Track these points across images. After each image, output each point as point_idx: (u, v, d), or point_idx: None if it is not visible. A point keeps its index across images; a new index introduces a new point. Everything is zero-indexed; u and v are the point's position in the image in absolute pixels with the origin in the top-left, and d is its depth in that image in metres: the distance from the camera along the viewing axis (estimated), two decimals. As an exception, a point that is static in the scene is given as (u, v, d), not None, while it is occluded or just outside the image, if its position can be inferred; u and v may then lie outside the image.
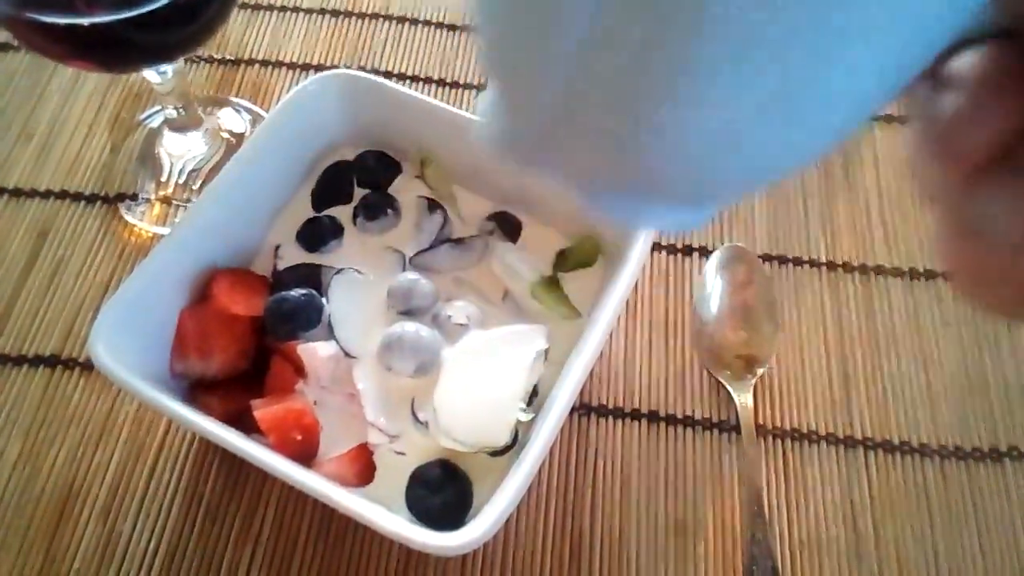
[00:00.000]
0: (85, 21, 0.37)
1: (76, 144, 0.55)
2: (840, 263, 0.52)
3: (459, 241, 0.45)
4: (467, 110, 0.48)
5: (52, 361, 0.47)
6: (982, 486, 0.45)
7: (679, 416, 0.47)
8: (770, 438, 0.46)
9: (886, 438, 0.46)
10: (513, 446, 0.39)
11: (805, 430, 0.46)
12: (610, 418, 0.46)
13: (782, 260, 0.52)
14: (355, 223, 0.46)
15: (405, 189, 0.47)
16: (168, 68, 0.46)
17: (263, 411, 0.39)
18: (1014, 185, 0.17)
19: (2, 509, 0.43)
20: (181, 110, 0.51)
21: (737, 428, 0.46)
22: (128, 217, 0.52)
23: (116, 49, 0.39)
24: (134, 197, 0.53)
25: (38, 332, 0.48)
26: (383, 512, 0.35)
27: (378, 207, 0.46)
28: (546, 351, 0.41)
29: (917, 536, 0.43)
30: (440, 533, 0.35)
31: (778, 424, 0.46)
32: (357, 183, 0.47)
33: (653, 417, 0.47)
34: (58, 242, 0.51)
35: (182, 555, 0.42)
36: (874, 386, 0.48)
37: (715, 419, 0.47)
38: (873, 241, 0.53)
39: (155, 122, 0.56)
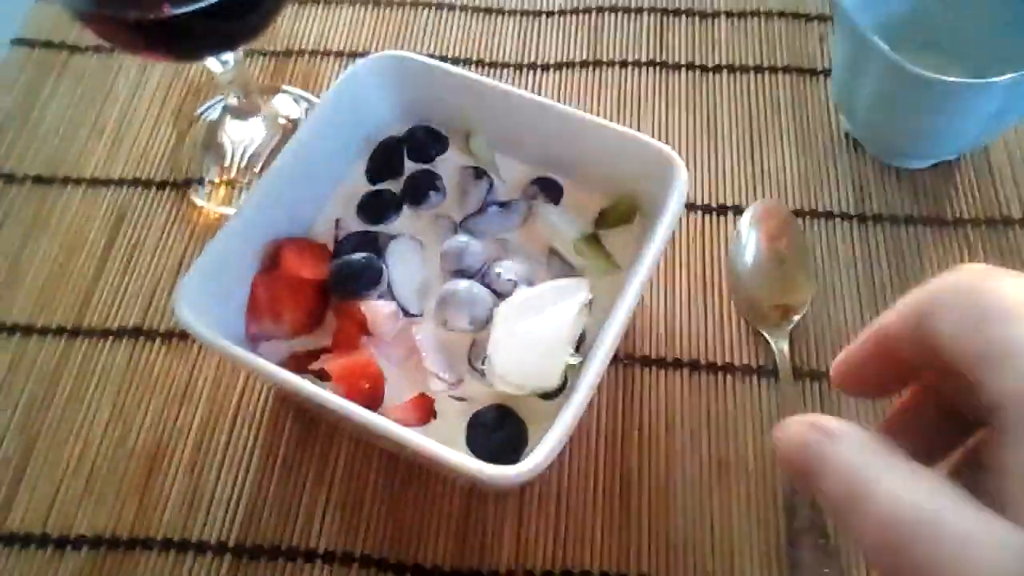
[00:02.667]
0: (160, 14, 0.40)
1: (144, 136, 0.59)
2: (869, 215, 0.54)
3: (505, 204, 0.48)
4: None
5: (135, 333, 0.51)
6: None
7: (719, 364, 0.49)
8: (807, 380, 0.48)
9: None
10: (563, 389, 0.42)
11: (840, 372, 0.48)
12: (654, 368, 0.49)
13: (813, 214, 0.54)
14: (403, 204, 0.49)
15: (451, 161, 0.51)
16: (230, 58, 0.50)
17: (334, 363, 0.42)
18: None
19: (98, 465, 0.47)
20: (242, 97, 0.55)
21: (775, 373, 0.48)
22: (196, 200, 0.56)
23: (187, 40, 0.43)
24: (200, 181, 0.57)
25: (120, 307, 0.52)
26: (453, 452, 0.38)
27: (422, 188, 0.49)
28: (590, 302, 0.44)
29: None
30: (500, 467, 0.38)
31: (814, 367, 0.49)
32: (408, 157, 0.50)
33: (694, 366, 0.49)
34: (133, 225, 0.55)
35: (263, 502, 0.46)
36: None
37: (753, 365, 0.49)
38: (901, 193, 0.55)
39: (214, 113, 0.60)
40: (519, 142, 0.49)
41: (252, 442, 0.48)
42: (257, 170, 0.56)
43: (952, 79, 0.46)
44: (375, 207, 0.48)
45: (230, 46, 0.47)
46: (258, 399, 0.49)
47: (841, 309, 0.51)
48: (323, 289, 0.46)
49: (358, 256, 0.45)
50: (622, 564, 0.44)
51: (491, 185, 0.49)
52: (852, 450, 0.23)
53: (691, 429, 0.47)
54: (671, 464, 0.46)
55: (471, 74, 0.49)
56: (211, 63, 0.50)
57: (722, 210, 0.55)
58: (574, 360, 0.41)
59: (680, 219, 0.54)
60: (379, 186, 0.50)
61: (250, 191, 0.46)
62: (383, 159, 0.51)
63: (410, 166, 0.50)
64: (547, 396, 0.42)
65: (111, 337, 0.51)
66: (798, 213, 0.54)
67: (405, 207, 0.49)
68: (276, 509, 0.46)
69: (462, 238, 0.46)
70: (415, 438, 0.38)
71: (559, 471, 0.46)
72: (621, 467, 0.46)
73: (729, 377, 0.49)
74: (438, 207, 0.49)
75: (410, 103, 0.51)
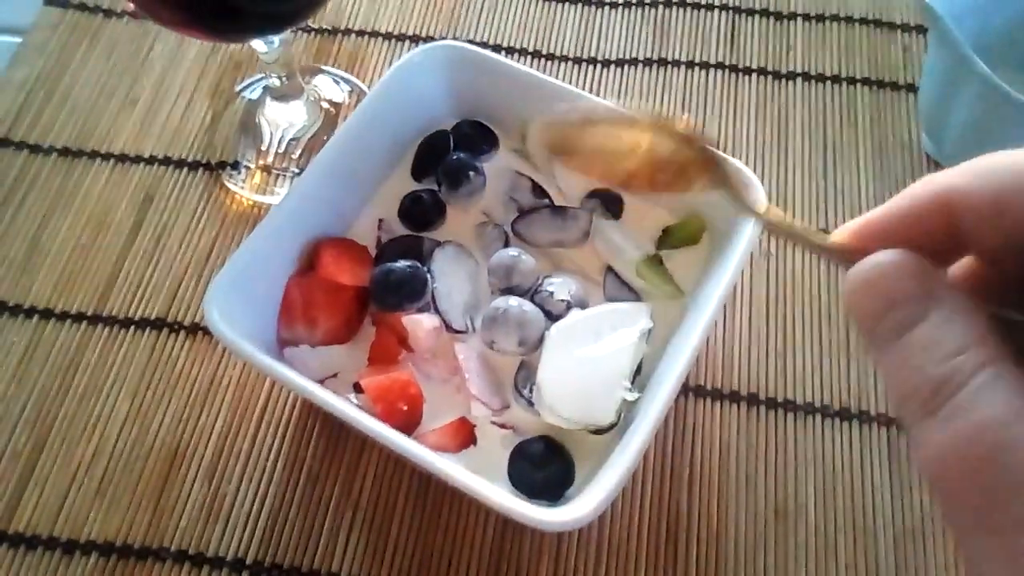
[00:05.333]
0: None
1: (178, 111, 0.56)
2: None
3: (560, 209, 0.44)
4: (565, 82, 0.47)
5: (159, 324, 0.48)
6: None
7: (779, 400, 0.46)
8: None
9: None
10: (616, 425, 0.39)
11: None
12: (709, 400, 0.46)
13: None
14: (439, 193, 0.46)
15: (503, 162, 0.47)
16: (276, 38, 0.46)
17: (370, 380, 0.39)
18: None
19: (112, 465, 0.44)
20: (284, 79, 0.51)
21: (841, 414, 0.45)
22: (230, 185, 0.53)
23: (235, 19, 0.40)
24: (235, 165, 0.53)
25: (145, 295, 0.49)
26: (496, 488, 0.35)
27: (457, 173, 0.45)
28: (650, 330, 0.41)
29: None
30: (548, 509, 0.35)
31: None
32: (454, 152, 0.47)
33: (753, 400, 0.46)
34: (163, 208, 0.52)
35: (284, 517, 0.43)
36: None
37: (817, 404, 0.45)
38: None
39: (254, 92, 0.56)
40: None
41: (276, 451, 0.45)
42: (296, 157, 0.53)
43: (1060, 109, 0.42)
44: (418, 213, 0.45)
45: (280, 27, 0.44)
46: (284, 404, 0.46)
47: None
48: (362, 296, 0.43)
49: (402, 264, 0.41)
50: (666, 614, 0.41)
51: (536, 187, 0.45)
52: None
53: (747, 471, 0.44)
54: (724, 509, 0.43)
55: (532, 71, 0.46)
56: (256, 43, 0.47)
57: (790, 231, 0.51)
58: (632, 396, 0.38)
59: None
60: (424, 183, 0.47)
61: (294, 183, 0.43)
62: (429, 154, 0.47)
63: (457, 164, 0.47)
64: (598, 432, 0.39)
65: (133, 327, 0.48)
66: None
67: (449, 208, 0.46)
68: (298, 526, 0.43)
69: (512, 251, 0.42)
70: (452, 471, 0.35)
71: (603, 509, 0.43)
72: (669, 508, 0.43)
73: (791, 415, 0.45)
74: (481, 202, 0.46)
75: (465, 97, 0.47)
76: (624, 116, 0.29)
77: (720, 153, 0.30)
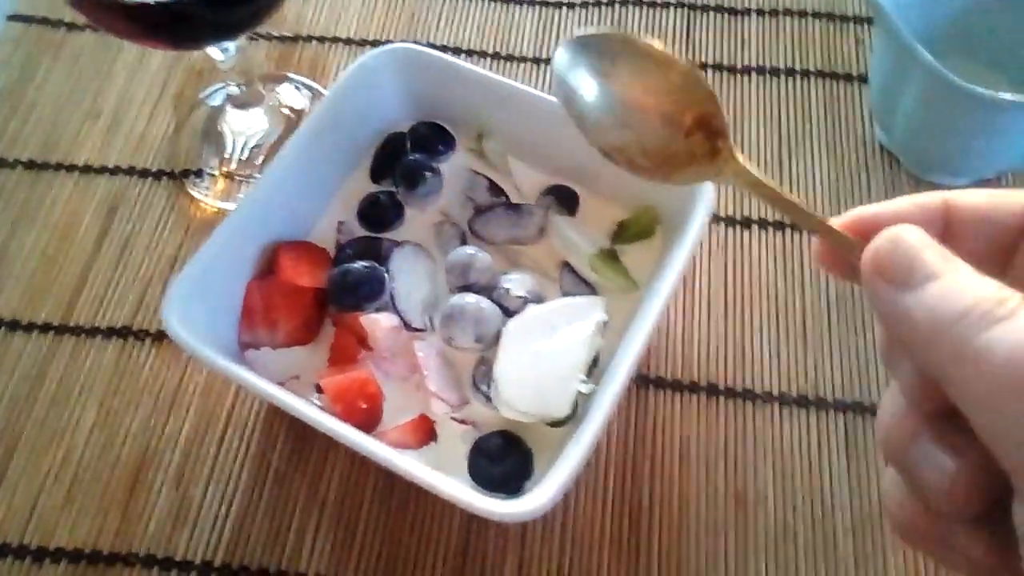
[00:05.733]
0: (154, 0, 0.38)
1: (142, 122, 0.57)
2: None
3: (516, 206, 0.45)
4: (523, 83, 0.48)
5: (124, 332, 0.49)
6: None
7: (738, 389, 0.46)
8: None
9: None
10: (573, 417, 0.39)
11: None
12: (668, 391, 0.46)
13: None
14: (397, 194, 0.46)
15: (460, 162, 0.48)
16: (231, 45, 0.47)
17: (328, 381, 0.40)
18: (951, 440, 0.21)
19: (80, 474, 0.45)
20: (243, 87, 0.52)
21: (798, 401, 0.46)
22: (194, 192, 0.53)
23: (183, 26, 0.40)
24: (199, 173, 0.54)
25: (110, 304, 0.50)
26: (452, 482, 0.35)
27: (414, 174, 0.46)
28: (605, 323, 0.41)
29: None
30: (504, 500, 0.35)
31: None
32: (411, 153, 0.47)
33: (712, 390, 0.46)
34: (127, 217, 0.53)
35: (252, 519, 0.43)
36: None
37: (775, 392, 0.46)
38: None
39: (217, 100, 0.57)
40: (534, 147, 0.46)
41: (243, 455, 0.45)
42: (259, 163, 0.54)
43: (1003, 95, 0.43)
44: (376, 214, 0.46)
45: (230, 34, 0.44)
46: (250, 409, 0.46)
47: (869, 331, 0.48)
48: (321, 297, 0.43)
49: (359, 265, 0.42)
50: (629, 602, 0.41)
51: (494, 186, 0.46)
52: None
53: (707, 460, 0.44)
54: (685, 497, 0.43)
55: (487, 72, 0.46)
56: (212, 51, 0.47)
57: (746, 223, 0.52)
58: (586, 388, 0.39)
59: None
60: (383, 185, 0.47)
61: (250, 188, 0.44)
62: (387, 156, 0.48)
63: (413, 165, 0.47)
64: (556, 424, 0.39)
65: (99, 335, 0.49)
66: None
67: (407, 208, 0.46)
68: (265, 528, 0.43)
69: (469, 249, 0.43)
70: (415, 469, 0.35)
71: (565, 501, 0.43)
72: (631, 498, 0.43)
73: (749, 404, 0.46)
74: (439, 202, 0.46)
75: (421, 99, 0.48)
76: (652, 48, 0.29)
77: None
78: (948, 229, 0.24)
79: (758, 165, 0.54)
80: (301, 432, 0.45)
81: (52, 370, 0.48)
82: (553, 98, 0.46)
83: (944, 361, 0.19)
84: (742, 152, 0.52)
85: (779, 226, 0.51)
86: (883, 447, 0.23)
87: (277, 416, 0.46)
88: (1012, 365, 0.18)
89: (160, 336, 0.48)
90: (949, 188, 0.51)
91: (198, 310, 0.40)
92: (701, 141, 0.28)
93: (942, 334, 0.19)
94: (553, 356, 0.40)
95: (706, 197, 0.41)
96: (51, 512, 0.44)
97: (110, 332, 0.49)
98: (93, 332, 0.49)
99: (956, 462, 0.21)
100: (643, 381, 0.47)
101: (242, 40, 0.48)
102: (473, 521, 0.43)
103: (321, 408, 0.39)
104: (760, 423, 0.45)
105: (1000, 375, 0.18)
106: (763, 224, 0.51)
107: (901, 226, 0.22)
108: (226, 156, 0.54)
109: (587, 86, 0.30)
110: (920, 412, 0.22)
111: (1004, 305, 0.19)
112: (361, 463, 0.44)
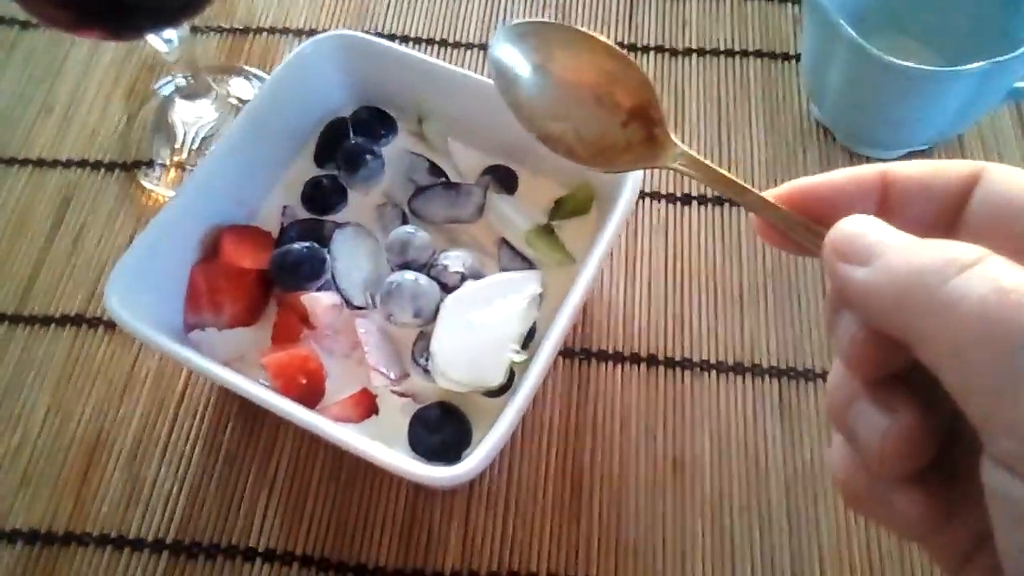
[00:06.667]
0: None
1: (95, 115, 0.58)
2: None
3: (454, 185, 0.46)
4: (470, 69, 0.49)
5: (77, 320, 0.50)
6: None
7: (677, 359, 0.48)
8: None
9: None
10: (509, 387, 0.40)
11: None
12: (610, 362, 0.48)
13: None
14: (339, 177, 0.47)
15: (401, 145, 0.49)
16: (174, 36, 0.48)
17: (269, 358, 0.41)
18: (886, 402, 0.21)
19: (35, 458, 0.45)
20: (190, 78, 0.53)
21: (735, 369, 0.47)
22: (145, 183, 0.54)
23: (119, 14, 0.41)
24: (150, 164, 0.55)
25: (64, 293, 0.51)
26: (386, 449, 0.37)
27: (356, 158, 0.47)
28: (540, 296, 0.42)
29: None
30: (440, 467, 0.36)
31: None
32: (353, 138, 0.49)
33: (652, 360, 0.48)
34: (80, 208, 0.54)
35: (203, 498, 0.44)
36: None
37: (712, 361, 0.48)
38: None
39: (168, 91, 0.58)
40: (473, 128, 0.47)
41: (194, 435, 0.46)
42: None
43: (922, 67, 0.45)
44: (319, 198, 0.47)
45: (169, 22, 0.45)
46: (202, 391, 0.47)
47: (804, 300, 0.49)
48: (264, 279, 0.44)
49: (299, 246, 0.43)
50: (571, 567, 0.42)
51: (434, 167, 0.47)
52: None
53: (646, 427, 0.46)
54: (624, 464, 0.45)
55: (423, 56, 0.47)
56: (155, 42, 0.48)
57: (686, 199, 0.53)
58: (519, 357, 0.40)
59: (639, 208, 0.52)
60: (326, 169, 0.48)
61: (191, 172, 0.45)
62: (330, 141, 0.49)
63: (358, 149, 0.49)
64: (492, 394, 0.41)
65: (52, 324, 0.50)
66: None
67: (350, 191, 0.47)
68: (216, 505, 0.44)
69: (408, 228, 0.44)
70: (353, 440, 0.36)
71: (508, 470, 0.45)
72: (572, 466, 0.45)
73: (687, 373, 0.47)
74: (381, 184, 0.48)
75: (362, 85, 0.49)
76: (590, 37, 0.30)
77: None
78: (886, 202, 0.24)
79: (698, 145, 0.55)
80: (252, 412, 0.46)
81: (7, 358, 0.48)
82: (491, 80, 0.47)
83: (910, 321, 0.19)
84: (680, 136, 0.55)
85: (718, 201, 0.53)
86: (828, 413, 0.24)
87: (228, 398, 0.47)
88: (978, 313, 0.18)
89: (112, 324, 0.49)
90: (883, 161, 0.53)
91: (142, 293, 0.41)
92: (637, 129, 0.29)
93: (907, 290, 0.19)
94: (488, 328, 0.41)
95: (634, 174, 0.42)
96: (6, 495, 0.45)
97: (64, 320, 0.50)
98: (47, 321, 0.50)
99: (888, 418, 0.21)
100: (585, 354, 0.48)
101: (185, 31, 0.49)
102: (420, 493, 0.44)
103: (264, 386, 0.41)
104: (698, 390, 0.47)
105: (967, 324, 0.18)
106: (702, 200, 0.53)
107: (855, 217, 0.22)
108: (176, 147, 0.55)
109: (523, 75, 0.31)
110: (859, 378, 0.23)
111: (969, 254, 0.19)
112: (311, 441, 0.46)
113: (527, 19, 0.31)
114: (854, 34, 0.46)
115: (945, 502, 0.22)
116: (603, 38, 0.30)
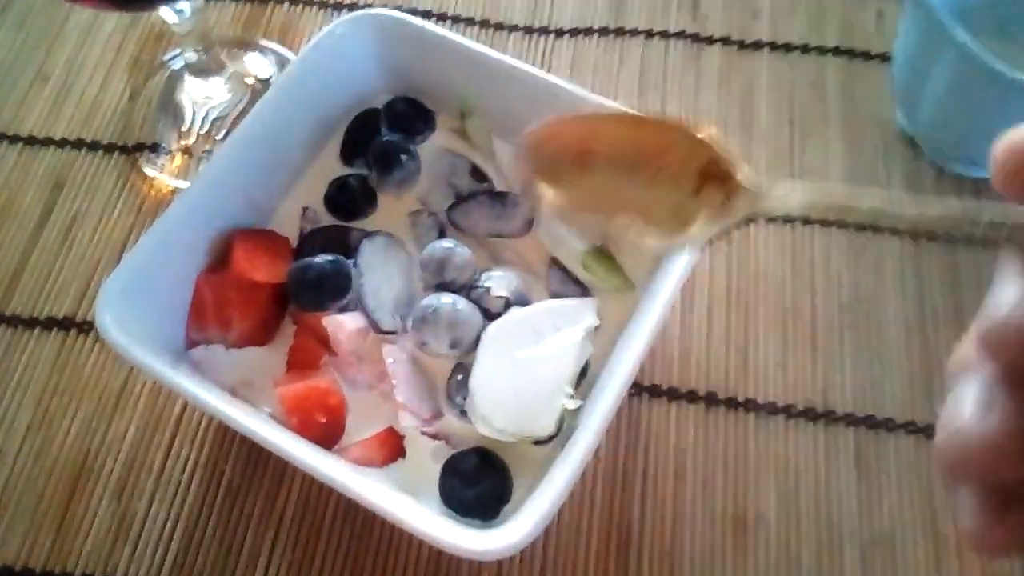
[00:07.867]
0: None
1: (94, 88, 0.52)
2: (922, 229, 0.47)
3: (500, 195, 0.41)
4: (512, 55, 0.43)
5: (66, 324, 0.44)
6: None
7: (740, 399, 0.42)
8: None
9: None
10: (558, 435, 0.35)
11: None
12: (664, 400, 0.42)
13: (857, 224, 0.47)
14: (369, 179, 0.42)
15: (440, 143, 0.43)
16: (186, 6, 0.42)
17: (285, 389, 0.35)
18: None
19: (12, 483, 0.40)
20: (202, 53, 0.47)
21: (805, 414, 0.42)
22: (147, 169, 0.48)
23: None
24: (154, 147, 0.49)
25: (51, 292, 0.45)
26: (412, 507, 0.32)
27: (388, 156, 0.42)
28: (596, 328, 0.37)
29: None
30: (476, 534, 0.31)
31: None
32: (386, 133, 0.43)
33: (711, 400, 0.42)
34: (74, 195, 0.48)
35: (199, 538, 0.39)
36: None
37: (780, 404, 0.42)
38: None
39: (178, 64, 0.52)
40: (522, 127, 0.41)
41: (192, 463, 0.41)
42: (220, 138, 0.49)
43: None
44: (345, 201, 0.41)
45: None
46: (202, 414, 0.42)
47: (887, 339, 0.44)
48: (281, 293, 0.39)
49: (322, 259, 0.38)
50: (615, 637, 0.37)
51: (476, 170, 0.42)
52: None
53: (704, 476, 0.40)
54: (678, 519, 0.40)
55: (472, 44, 0.42)
56: (165, 12, 0.42)
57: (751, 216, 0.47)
58: (573, 404, 0.35)
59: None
60: (354, 168, 0.43)
61: (202, 167, 0.39)
62: (359, 135, 0.43)
63: (391, 146, 0.43)
64: (539, 442, 0.35)
65: (37, 327, 0.44)
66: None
67: (380, 195, 0.42)
68: (215, 546, 0.39)
69: (446, 243, 0.38)
70: (371, 493, 0.31)
71: (548, 523, 0.39)
72: (620, 521, 0.39)
73: (751, 416, 0.42)
74: (416, 188, 0.42)
75: (398, 72, 0.43)
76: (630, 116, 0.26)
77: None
78: None
79: (766, 152, 0.49)
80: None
81: (-15, 365, 0.43)
82: (545, 74, 0.41)
83: None
84: (749, 140, 0.49)
85: (788, 219, 0.47)
86: (961, 466, 0.19)
87: (232, 421, 0.42)
88: None
89: (106, 329, 0.44)
90: (976, 181, 0.48)
91: (139, 307, 0.36)
92: (714, 191, 0.25)
93: None
94: (537, 366, 0.35)
95: (712, 190, 0.37)
96: (-22, 525, 0.39)
97: (50, 323, 0.44)
98: (31, 323, 0.44)
99: None
100: (636, 388, 0.42)
101: (199, 1, 0.43)
102: (446, 542, 0.39)
103: (273, 417, 0.35)
104: (763, 437, 0.41)
105: None
106: (770, 217, 0.47)
107: None
108: (184, 129, 0.49)
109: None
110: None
111: None
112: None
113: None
114: (966, 37, 0.40)
115: None
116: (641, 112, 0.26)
